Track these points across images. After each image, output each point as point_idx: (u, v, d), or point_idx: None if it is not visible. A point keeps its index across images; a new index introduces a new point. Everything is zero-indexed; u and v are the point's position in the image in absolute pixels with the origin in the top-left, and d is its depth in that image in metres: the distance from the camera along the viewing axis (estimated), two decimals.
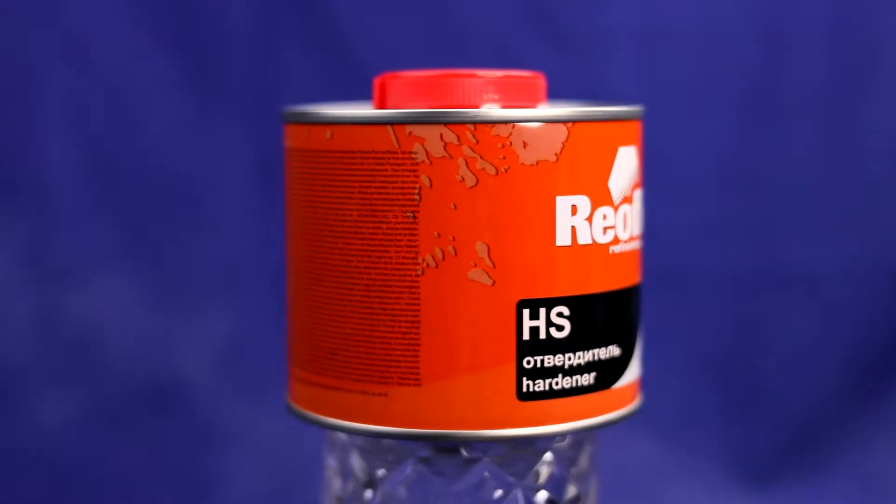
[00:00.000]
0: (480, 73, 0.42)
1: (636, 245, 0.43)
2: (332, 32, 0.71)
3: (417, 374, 0.40)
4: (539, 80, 0.44)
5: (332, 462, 0.48)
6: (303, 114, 0.42)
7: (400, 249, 0.40)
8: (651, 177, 0.66)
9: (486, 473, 0.44)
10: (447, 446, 0.43)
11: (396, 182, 0.40)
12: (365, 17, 0.71)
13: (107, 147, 0.71)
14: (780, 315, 0.72)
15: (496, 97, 0.43)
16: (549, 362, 0.41)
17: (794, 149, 0.72)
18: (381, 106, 0.43)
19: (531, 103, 0.43)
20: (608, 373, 0.42)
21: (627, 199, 0.42)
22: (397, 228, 0.40)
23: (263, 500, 0.68)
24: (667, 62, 0.72)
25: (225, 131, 0.71)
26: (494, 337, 0.40)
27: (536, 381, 0.41)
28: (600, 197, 0.41)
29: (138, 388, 0.70)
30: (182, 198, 0.71)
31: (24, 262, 0.70)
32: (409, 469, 0.44)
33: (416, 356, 0.40)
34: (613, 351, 0.42)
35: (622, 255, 0.42)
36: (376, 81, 0.44)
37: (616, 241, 0.42)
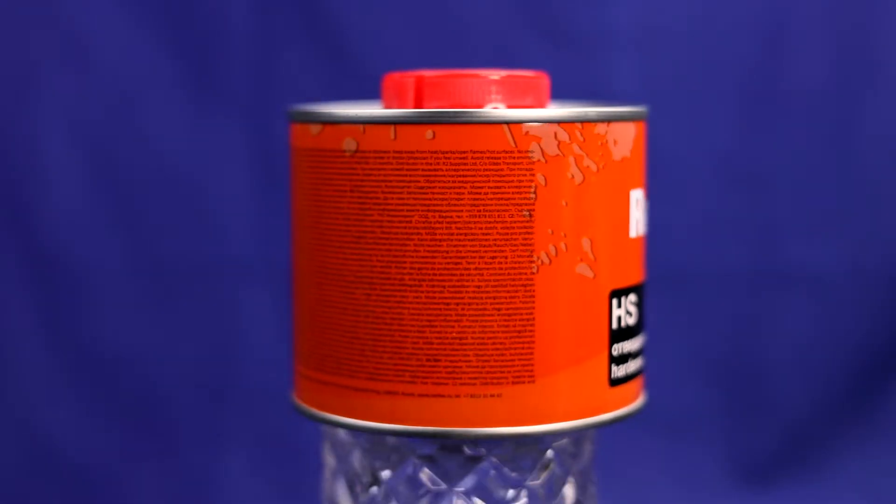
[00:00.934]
0: (490, 72, 0.43)
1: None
2: (332, 32, 0.70)
3: (532, 371, 0.41)
4: (544, 80, 0.45)
5: (332, 461, 0.46)
6: (381, 116, 0.40)
7: (515, 248, 0.40)
8: (651, 177, 0.66)
9: (493, 472, 0.45)
10: (527, 442, 0.44)
11: (512, 181, 0.40)
12: (365, 16, 0.70)
13: (107, 147, 0.70)
14: (780, 315, 0.73)
15: (499, 97, 0.44)
16: (626, 349, 0.43)
17: (794, 149, 0.72)
18: (418, 105, 0.43)
19: (539, 103, 0.45)
20: (642, 357, 0.45)
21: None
22: (513, 227, 0.40)
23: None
24: (667, 62, 0.71)
25: (225, 131, 0.70)
26: (593, 328, 0.42)
27: (619, 367, 0.43)
28: (643, 191, 0.45)
29: (139, 387, 0.70)
30: (182, 197, 0.70)
31: (24, 261, 0.70)
32: (409, 468, 0.44)
33: (531, 353, 0.41)
34: (643, 337, 0.45)
35: (642, 245, 0.46)
36: (404, 81, 0.43)
37: (644, 232, 0.45)
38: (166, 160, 0.70)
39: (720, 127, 0.72)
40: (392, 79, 0.43)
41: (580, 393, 0.42)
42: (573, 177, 0.41)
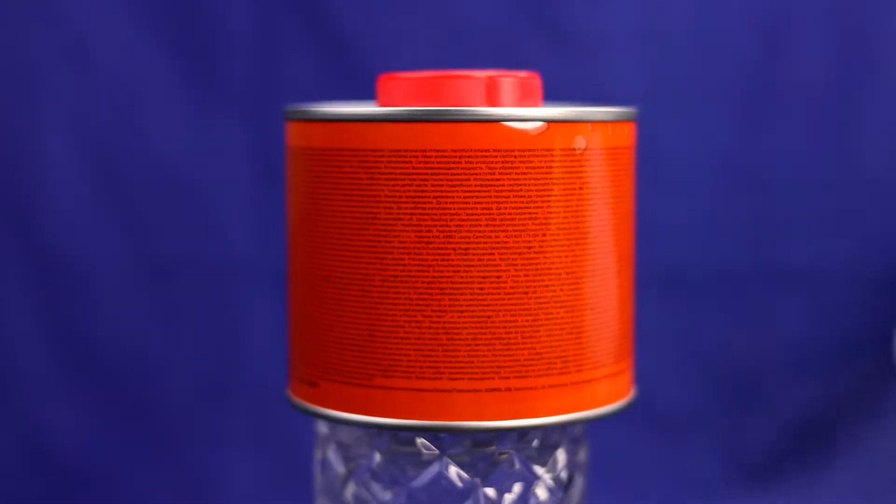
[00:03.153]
0: (480, 72, 0.44)
1: None
2: (332, 32, 0.70)
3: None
4: (536, 80, 0.46)
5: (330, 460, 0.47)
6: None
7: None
8: (651, 176, 0.66)
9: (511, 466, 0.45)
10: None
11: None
12: (365, 17, 0.70)
13: (107, 147, 0.70)
14: (780, 314, 0.73)
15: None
16: None
17: (794, 148, 0.72)
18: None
19: (536, 103, 0.46)
20: None
21: None
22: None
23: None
24: (667, 62, 0.71)
25: (225, 131, 0.71)
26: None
27: None
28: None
29: (140, 387, 0.70)
30: (183, 196, 0.71)
31: (24, 261, 0.70)
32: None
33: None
34: None
35: None
36: (426, 80, 0.44)
37: None
38: (167, 159, 0.71)
39: (720, 127, 0.72)
40: (385, 79, 0.45)
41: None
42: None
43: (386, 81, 0.45)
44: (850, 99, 0.72)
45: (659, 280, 0.71)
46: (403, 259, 0.41)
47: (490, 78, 0.43)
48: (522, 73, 0.45)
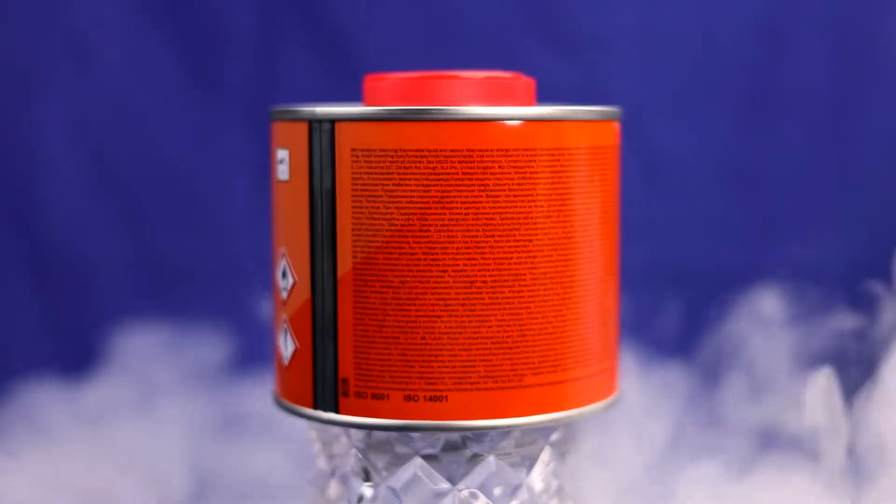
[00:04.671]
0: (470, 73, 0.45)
1: None
2: (332, 32, 0.70)
3: None
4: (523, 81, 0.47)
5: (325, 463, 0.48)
6: None
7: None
8: (651, 176, 0.67)
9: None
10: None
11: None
12: (366, 17, 0.70)
13: (108, 147, 0.70)
14: (779, 314, 0.71)
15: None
16: None
17: (794, 148, 0.72)
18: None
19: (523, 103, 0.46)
20: None
21: None
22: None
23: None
24: (667, 62, 0.71)
25: (225, 131, 0.70)
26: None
27: None
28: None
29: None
30: (183, 196, 0.71)
31: (25, 260, 0.70)
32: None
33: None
34: None
35: None
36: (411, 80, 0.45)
37: None
38: (167, 159, 0.71)
39: (719, 127, 0.72)
40: (372, 79, 0.46)
41: None
42: None
43: (371, 82, 0.46)
44: (850, 99, 0.72)
45: (658, 279, 0.71)
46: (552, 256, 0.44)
47: (472, 78, 0.45)
48: (508, 74, 0.46)
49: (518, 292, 0.43)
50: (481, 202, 0.43)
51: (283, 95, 0.66)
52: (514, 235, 0.43)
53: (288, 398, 0.47)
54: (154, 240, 0.71)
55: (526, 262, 0.43)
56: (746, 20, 0.72)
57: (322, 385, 0.45)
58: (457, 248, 0.43)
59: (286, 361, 0.46)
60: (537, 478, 0.47)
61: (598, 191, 0.45)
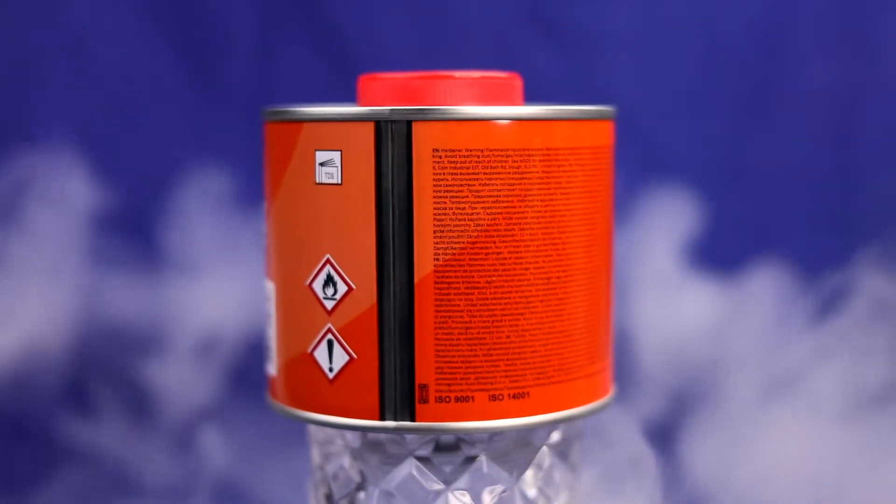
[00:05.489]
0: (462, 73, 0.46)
1: None
2: (332, 32, 0.70)
3: None
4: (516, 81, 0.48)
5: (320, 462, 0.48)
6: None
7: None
8: (651, 176, 0.67)
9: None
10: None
11: None
12: (366, 17, 0.69)
13: (107, 146, 0.70)
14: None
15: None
16: None
17: (794, 148, 0.70)
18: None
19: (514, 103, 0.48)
20: None
21: None
22: None
23: None
24: (667, 62, 0.69)
25: (225, 131, 0.70)
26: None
27: None
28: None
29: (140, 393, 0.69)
30: (183, 195, 0.69)
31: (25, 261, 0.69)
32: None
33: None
34: None
35: None
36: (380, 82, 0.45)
37: None
38: (167, 159, 0.70)
39: (720, 127, 0.71)
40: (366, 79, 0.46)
41: None
42: None
43: (365, 82, 0.46)
44: (850, 99, 0.72)
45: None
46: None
47: (463, 78, 0.45)
48: (502, 74, 0.47)
49: (583, 286, 0.45)
50: (555, 199, 0.44)
51: (284, 95, 0.65)
52: (581, 230, 0.45)
53: (337, 413, 0.44)
54: (154, 238, 0.69)
55: (590, 256, 0.45)
56: (746, 20, 0.71)
57: (393, 393, 0.43)
58: (537, 246, 0.44)
59: (332, 374, 0.44)
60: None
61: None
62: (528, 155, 0.43)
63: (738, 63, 0.71)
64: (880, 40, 0.71)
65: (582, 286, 0.45)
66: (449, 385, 0.43)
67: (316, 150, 0.44)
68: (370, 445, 0.47)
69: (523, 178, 0.43)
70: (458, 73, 0.46)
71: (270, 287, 0.47)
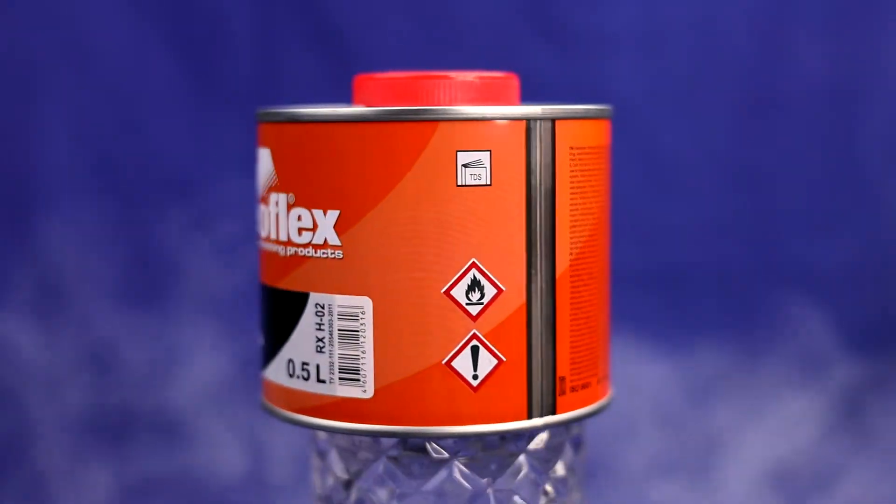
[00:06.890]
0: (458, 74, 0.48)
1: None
2: (332, 32, 0.71)
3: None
4: (513, 81, 0.50)
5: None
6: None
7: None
8: (650, 176, 0.67)
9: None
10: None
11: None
12: (366, 17, 0.70)
13: (108, 146, 0.71)
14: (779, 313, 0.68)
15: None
16: None
17: (794, 148, 0.68)
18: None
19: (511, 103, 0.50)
20: None
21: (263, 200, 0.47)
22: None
23: None
24: (667, 62, 0.67)
25: (225, 130, 0.71)
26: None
27: None
28: None
29: (142, 394, 0.70)
30: (183, 195, 0.71)
31: (25, 259, 0.71)
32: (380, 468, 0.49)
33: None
34: None
35: None
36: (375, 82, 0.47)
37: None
38: (167, 159, 0.71)
39: (720, 127, 0.71)
40: (361, 79, 0.47)
41: None
42: None
43: (362, 82, 0.47)
44: (850, 99, 0.72)
45: (658, 279, 0.70)
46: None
47: (459, 79, 0.47)
48: (498, 74, 0.48)
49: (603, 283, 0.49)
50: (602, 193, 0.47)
51: (284, 95, 0.65)
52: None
53: (481, 421, 0.43)
54: (154, 238, 0.71)
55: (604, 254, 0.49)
56: (746, 20, 0.71)
57: (540, 390, 0.44)
58: (603, 238, 0.47)
59: (476, 382, 0.43)
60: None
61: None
62: (607, 151, 0.47)
63: (738, 63, 0.71)
64: (880, 41, 0.73)
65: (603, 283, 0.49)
66: (579, 374, 0.45)
67: (458, 150, 0.42)
68: (410, 451, 0.45)
69: (609, 173, 0.47)
70: (453, 74, 0.46)
71: (355, 302, 0.43)
